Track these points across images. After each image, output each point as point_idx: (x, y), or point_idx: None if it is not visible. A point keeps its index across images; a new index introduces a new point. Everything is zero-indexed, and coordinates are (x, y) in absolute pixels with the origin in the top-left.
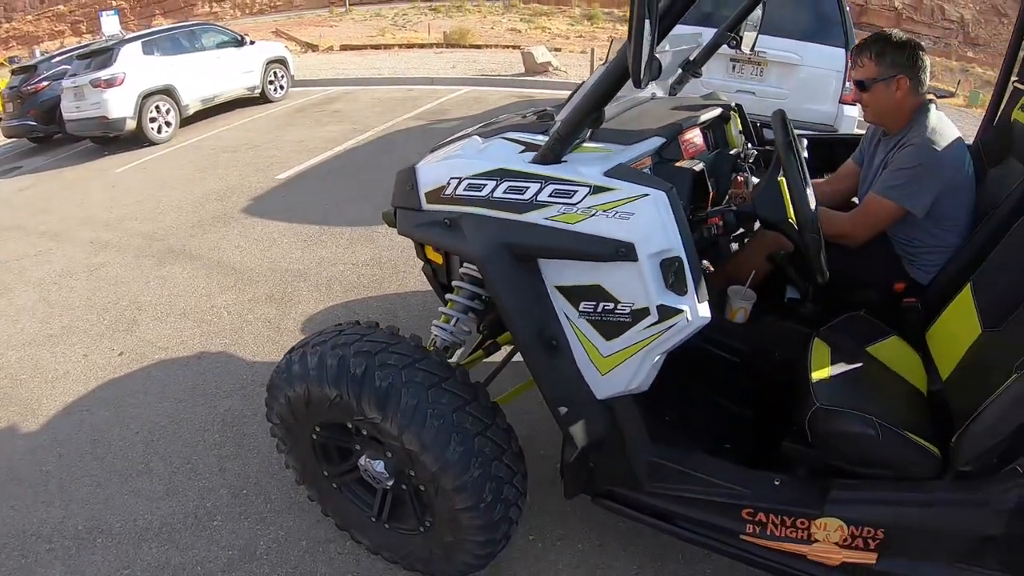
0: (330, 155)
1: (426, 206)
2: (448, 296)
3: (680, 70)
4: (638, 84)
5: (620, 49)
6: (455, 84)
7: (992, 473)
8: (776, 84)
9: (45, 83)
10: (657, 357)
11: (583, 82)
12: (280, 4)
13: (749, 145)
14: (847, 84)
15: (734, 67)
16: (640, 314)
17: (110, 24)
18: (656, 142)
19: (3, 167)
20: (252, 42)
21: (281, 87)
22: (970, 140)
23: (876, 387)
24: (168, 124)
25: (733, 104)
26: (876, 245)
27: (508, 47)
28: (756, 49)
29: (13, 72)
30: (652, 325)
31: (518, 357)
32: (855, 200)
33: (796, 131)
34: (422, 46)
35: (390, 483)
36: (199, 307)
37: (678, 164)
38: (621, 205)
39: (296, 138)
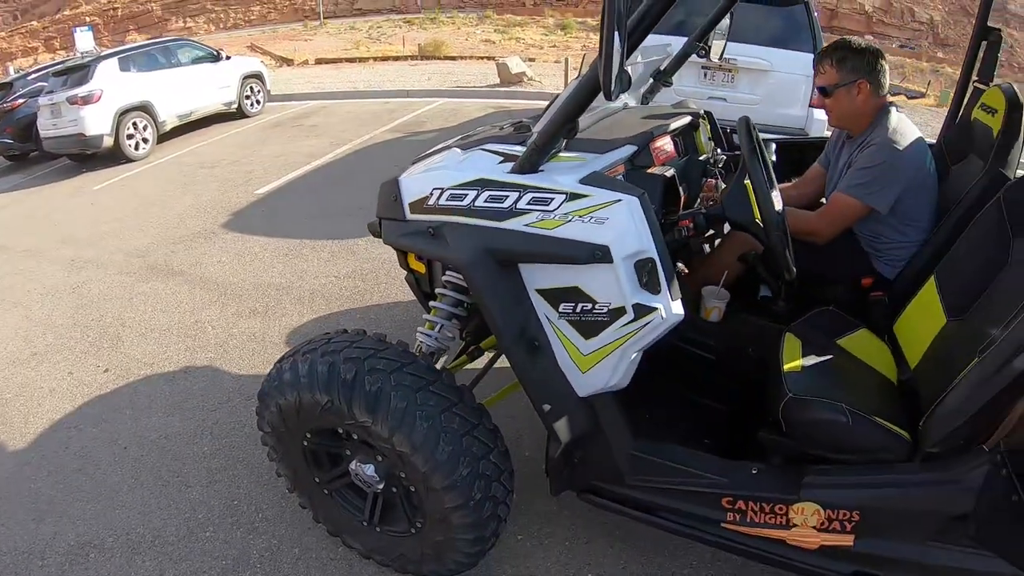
0: (308, 169)
1: (410, 216)
2: (432, 304)
3: (651, 80)
4: (609, 97)
5: (592, 63)
6: (431, 96)
7: (960, 453)
8: (747, 90)
9: (21, 100)
10: (635, 354)
11: (558, 94)
12: (254, 18)
13: (718, 151)
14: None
15: (706, 74)
16: (617, 313)
17: (84, 40)
18: (628, 150)
19: None
20: (228, 57)
21: (258, 102)
22: (935, 139)
23: (846, 377)
24: (145, 141)
25: (702, 112)
26: (843, 242)
27: (483, 58)
28: (726, 56)
29: None
30: (628, 323)
31: (500, 363)
32: (823, 201)
33: (767, 135)
34: (397, 59)
35: (381, 486)
36: (183, 322)
37: (650, 171)
38: (596, 211)
39: (274, 153)
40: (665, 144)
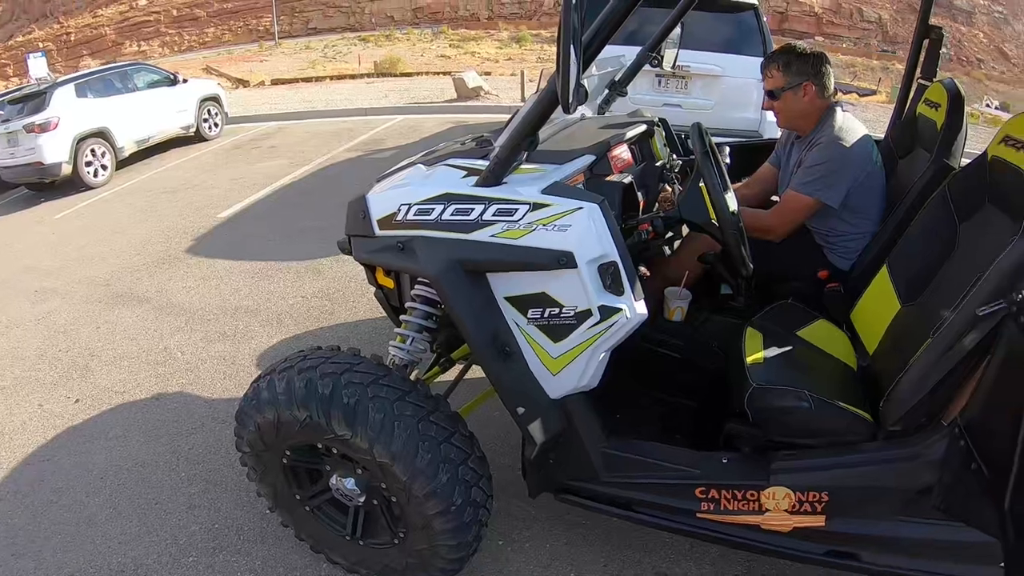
0: (270, 191)
1: (379, 232)
2: (402, 317)
3: (607, 91)
4: (567, 110)
5: (550, 78)
6: (389, 113)
7: (919, 430)
8: (701, 96)
9: None
10: (603, 354)
11: (519, 108)
12: (209, 40)
13: (674, 156)
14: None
15: (660, 82)
16: (583, 316)
17: (38, 67)
18: (587, 159)
19: None
20: (185, 80)
21: (216, 125)
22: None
23: (807, 365)
24: (104, 168)
25: (656, 119)
26: (798, 238)
27: (439, 74)
28: (679, 63)
29: None
30: (595, 325)
31: (471, 374)
32: (775, 199)
33: (720, 139)
34: (353, 77)
35: (362, 499)
36: (152, 349)
37: (608, 178)
38: (559, 219)
39: (234, 176)
40: (622, 152)
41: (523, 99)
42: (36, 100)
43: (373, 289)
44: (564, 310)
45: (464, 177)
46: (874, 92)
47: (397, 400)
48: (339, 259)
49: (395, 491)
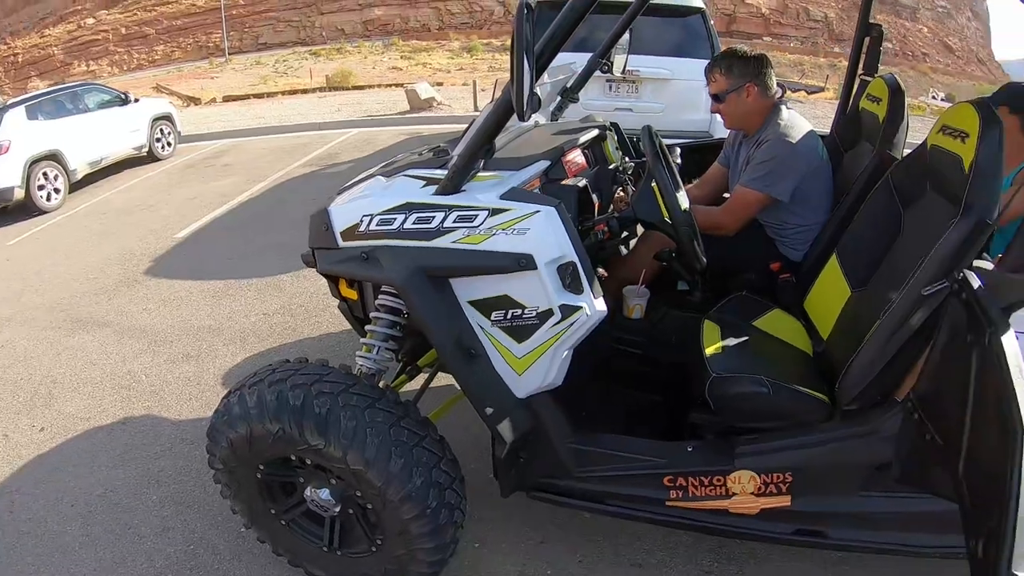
0: (226, 209)
1: (343, 244)
2: (367, 327)
3: (559, 97)
4: (522, 118)
5: (504, 88)
6: (343, 127)
7: (875, 407)
8: (651, 99)
9: None
10: (565, 352)
11: (475, 118)
12: (158, 58)
13: (626, 159)
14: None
15: (611, 87)
16: (545, 315)
17: None
18: (542, 165)
19: None
20: (136, 100)
21: (168, 144)
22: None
23: (764, 353)
24: (57, 191)
25: (608, 124)
26: (750, 232)
27: (391, 86)
28: (629, 68)
29: None
30: (557, 323)
31: (438, 381)
32: (726, 196)
33: (671, 141)
34: (305, 91)
35: (337, 509)
36: (115, 373)
37: (563, 182)
38: (517, 223)
39: (189, 195)
40: (576, 157)
41: (476, 108)
42: None
43: (336, 302)
44: (526, 311)
45: (424, 187)
46: (822, 89)
47: (368, 407)
48: (299, 275)
49: (370, 498)
